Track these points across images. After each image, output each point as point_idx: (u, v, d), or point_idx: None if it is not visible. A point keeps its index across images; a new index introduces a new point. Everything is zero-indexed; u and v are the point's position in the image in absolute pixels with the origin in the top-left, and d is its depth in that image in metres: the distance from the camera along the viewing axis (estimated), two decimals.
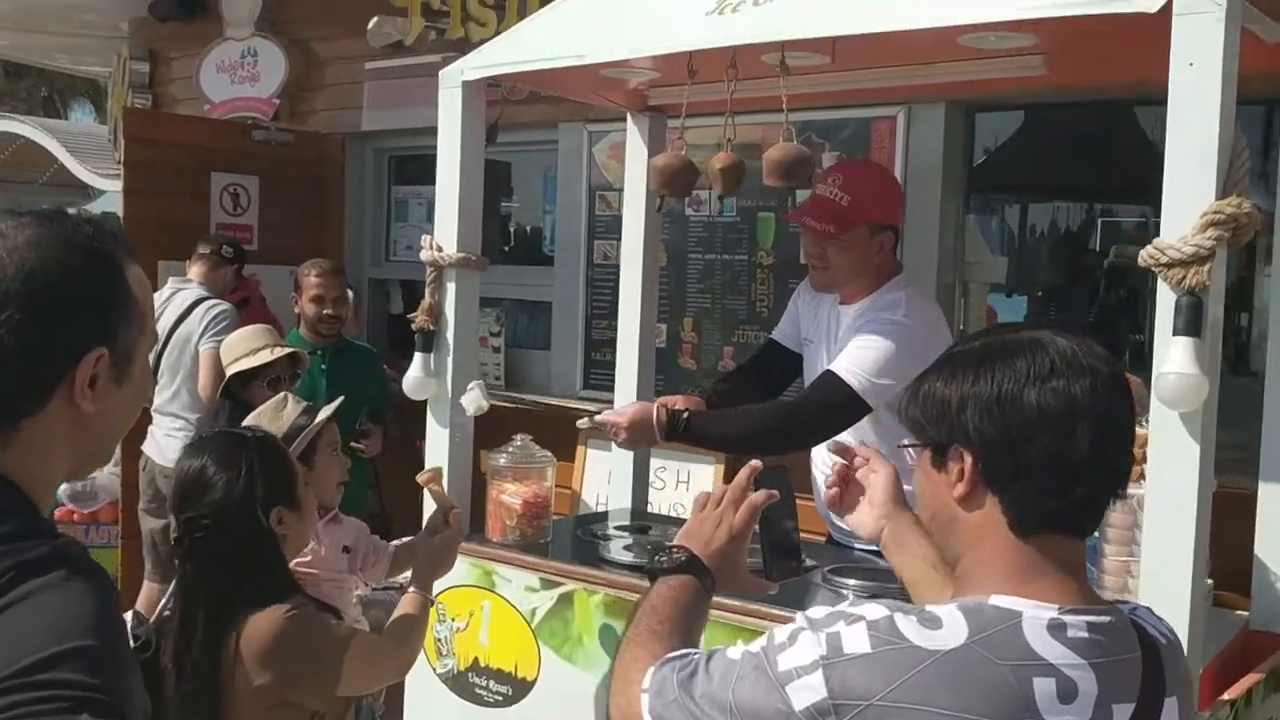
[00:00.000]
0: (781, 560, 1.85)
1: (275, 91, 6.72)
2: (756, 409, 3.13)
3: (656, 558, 1.77)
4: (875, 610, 1.41)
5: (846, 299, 3.21)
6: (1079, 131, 4.97)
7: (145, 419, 5.23)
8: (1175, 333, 2.12)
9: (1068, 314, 5.62)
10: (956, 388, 1.46)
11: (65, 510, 6.07)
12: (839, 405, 2.98)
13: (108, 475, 5.89)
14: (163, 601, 2.46)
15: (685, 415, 3.04)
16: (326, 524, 2.95)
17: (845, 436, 3.19)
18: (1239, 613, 2.88)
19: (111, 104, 8.40)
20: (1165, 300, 2.16)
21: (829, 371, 3.01)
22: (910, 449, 1.57)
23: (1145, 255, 2.16)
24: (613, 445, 3.92)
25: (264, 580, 2.37)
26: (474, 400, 3.19)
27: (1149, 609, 1.53)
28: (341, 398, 3.19)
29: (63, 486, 5.72)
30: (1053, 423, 1.40)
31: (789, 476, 1.86)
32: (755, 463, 1.83)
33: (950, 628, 1.37)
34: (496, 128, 3.35)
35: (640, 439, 3.11)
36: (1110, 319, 5.54)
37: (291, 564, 2.62)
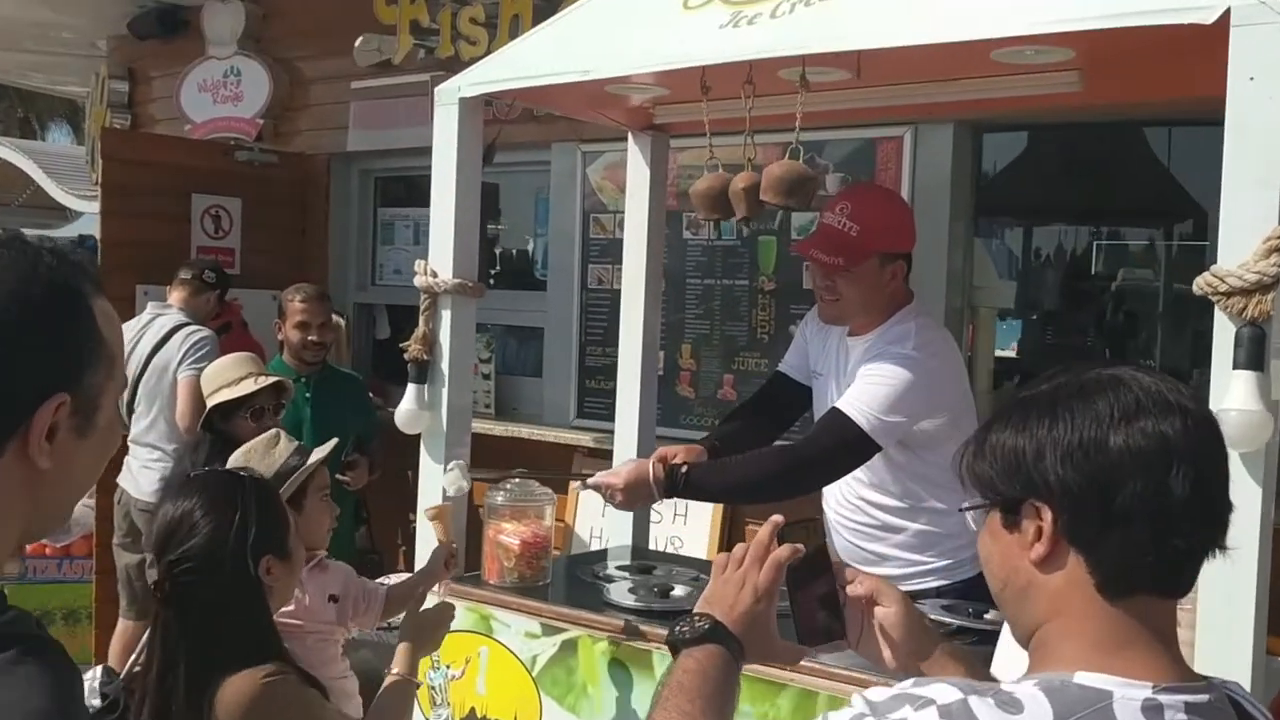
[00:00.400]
0: (815, 622, 1.66)
1: (259, 111, 6.55)
2: (759, 454, 2.97)
3: (678, 628, 1.59)
4: (946, 692, 1.24)
5: (856, 330, 3.06)
6: (1087, 152, 4.85)
7: (122, 450, 5.04)
8: (1236, 366, 1.97)
9: (1074, 338, 5.48)
10: (1030, 435, 1.29)
11: (38, 544, 5.86)
12: (847, 445, 2.83)
13: (82, 508, 5.68)
14: (134, 655, 2.27)
15: (684, 469, 2.89)
16: (311, 570, 2.77)
17: (859, 474, 3.05)
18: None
19: (89, 124, 8.24)
20: (1224, 332, 2.01)
21: (835, 409, 2.86)
22: (974, 511, 1.40)
23: (1202, 283, 2.01)
24: None
25: (247, 636, 2.20)
26: (454, 480, 3.04)
27: (1238, 684, 1.37)
28: (336, 440, 3.04)
29: None
30: (1145, 465, 1.24)
31: (820, 530, 1.71)
32: (778, 517, 1.68)
33: (1032, 711, 1.21)
34: (494, 148, 3.19)
35: (638, 499, 2.96)
36: (1118, 343, 5.41)
37: (274, 616, 2.45)
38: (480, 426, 5.34)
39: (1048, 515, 1.28)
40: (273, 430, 2.93)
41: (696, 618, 1.58)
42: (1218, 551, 1.30)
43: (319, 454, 2.85)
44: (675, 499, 3.01)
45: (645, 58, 2.77)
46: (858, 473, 3.05)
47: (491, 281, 6.40)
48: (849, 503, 3.07)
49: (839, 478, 2.99)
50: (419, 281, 3.07)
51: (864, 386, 2.84)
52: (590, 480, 3.00)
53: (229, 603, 2.19)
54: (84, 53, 7.92)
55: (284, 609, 2.57)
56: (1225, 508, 1.30)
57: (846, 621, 1.66)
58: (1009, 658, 2.32)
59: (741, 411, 3.38)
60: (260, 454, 2.81)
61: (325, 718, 2.28)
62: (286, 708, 2.19)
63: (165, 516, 2.26)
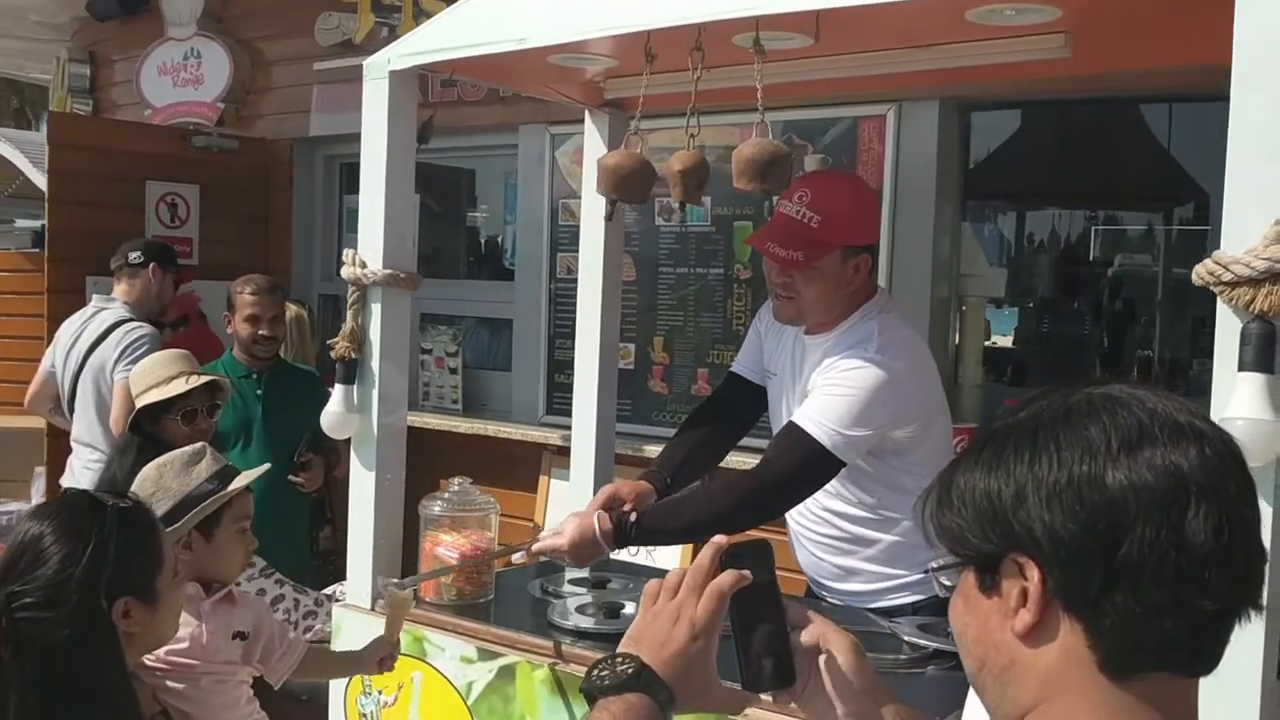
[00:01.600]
0: (763, 662, 1.38)
1: (219, 95, 6.31)
2: (714, 487, 2.72)
3: (595, 672, 1.31)
4: None
5: (814, 329, 2.78)
6: (1082, 132, 4.58)
7: (64, 449, 4.81)
8: (1242, 368, 1.70)
9: (1070, 327, 5.22)
10: (1006, 474, 1.04)
11: None
12: (809, 465, 2.57)
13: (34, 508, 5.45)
14: None
15: (632, 518, 2.60)
16: (216, 604, 2.50)
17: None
18: None
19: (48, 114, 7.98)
20: (1227, 327, 1.74)
21: (793, 425, 2.59)
22: (942, 573, 1.12)
23: (1203, 272, 1.74)
24: (571, 475, 3.53)
25: (90, 690, 1.90)
26: (393, 603, 2.72)
27: None
28: (267, 465, 2.76)
29: None
30: (1155, 505, 0.97)
31: (771, 552, 1.40)
32: (720, 538, 1.38)
33: None
34: (430, 127, 2.92)
35: (587, 556, 2.64)
36: (1116, 333, 5.15)
37: (161, 651, 2.19)
38: (446, 423, 5.13)
39: (1034, 573, 1.01)
40: (199, 445, 2.66)
41: (619, 659, 1.31)
42: (1251, 613, 1.02)
43: (239, 482, 2.57)
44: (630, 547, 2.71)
45: (585, 23, 2.50)
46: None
47: (469, 271, 6.19)
48: (814, 515, 2.80)
49: (804, 499, 2.72)
50: (346, 273, 2.81)
51: (823, 400, 2.57)
52: (535, 547, 2.69)
53: (72, 649, 1.89)
54: (46, 37, 7.66)
55: (176, 646, 2.32)
56: (1258, 556, 1.02)
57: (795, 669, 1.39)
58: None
59: (695, 422, 3.05)
60: (176, 471, 2.54)
61: None
62: None
63: (14, 542, 1.96)
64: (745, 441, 3.05)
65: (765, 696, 1.40)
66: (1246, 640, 1.75)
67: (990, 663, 1.07)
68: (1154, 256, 5.22)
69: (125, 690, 1.97)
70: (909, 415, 2.63)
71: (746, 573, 1.35)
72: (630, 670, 1.28)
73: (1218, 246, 1.78)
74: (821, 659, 1.38)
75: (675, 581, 1.36)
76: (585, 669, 2.36)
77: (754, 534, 1.59)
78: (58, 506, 2.03)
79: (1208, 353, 4.61)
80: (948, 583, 1.12)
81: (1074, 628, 1.00)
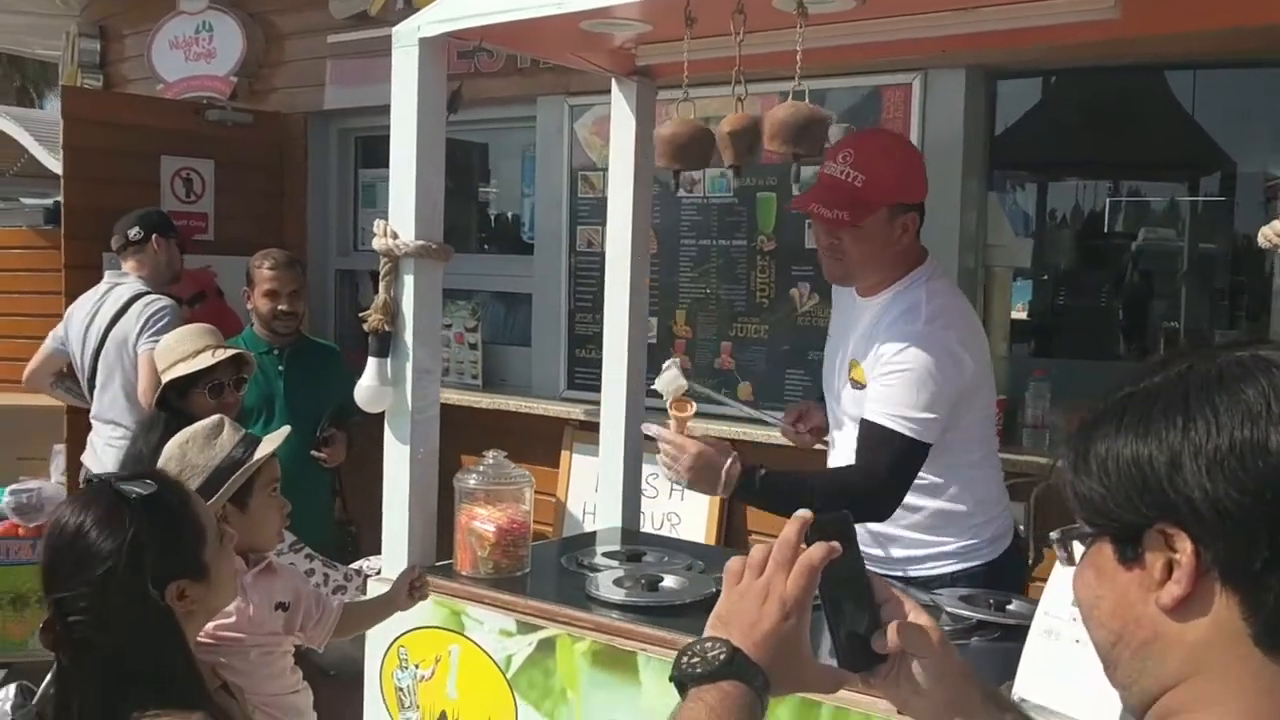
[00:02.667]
0: (853, 640, 1.30)
1: (232, 69, 6.24)
2: (833, 471, 2.72)
3: (686, 659, 1.23)
4: None
5: (866, 291, 2.78)
6: (1108, 100, 4.53)
7: (85, 426, 4.78)
8: None
9: (1093, 299, 5.19)
10: (1158, 441, 0.98)
11: (9, 524, 5.60)
12: (901, 459, 2.59)
13: (54, 486, 5.45)
14: (49, 677, 1.96)
15: (761, 472, 2.60)
16: (257, 576, 2.48)
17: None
18: None
19: (61, 90, 7.94)
20: None
21: (872, 425, 2.59)
22: (1070, 543, 1.08)
23: (1269, 234, 1.71)
24: (601, 449, 3.50)
25: (155, 679, 1.84)
26: (671, 381, 2.75)
27: None
28: (288, 428, 2.73)
29: (7, 499, 5.28)
30: None
31: (853, 525, 1.33)
32: (805, 512, 1.30)
33: None
34: (459, 96, 2.88)
35: (702, 482, 2.62)
36: (1141, 305, 5.12)
37: (210, 626, 2.16)
38: (467, 399, 5.10)
39: (1185, 545, 0.96)
40: (216, 417, 2.63)
41: (709, 644, 1.23)
42: None
43: (267, 446, 2.54)
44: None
45: None
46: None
47: (486, 246, 6.15)
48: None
49: (906, 492, 2.68)
50: (378, 244, 2.78)
51: (886, 389, 2.58)
52: (664, 438, 2.67)
53: (134, 643, 1.84)
54: (55, 12, 7.59)
55: (223, 620, 2.29)
56: None
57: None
58: (1036, 666, 2.06)
59: None
60: (199, 445, 2.51)
61: None
62: None
63: (49, 545, 1.90)
64: None
65: (861, 679, 1.33)
66: None
67: (1129, 636, 1.03)
68: (1179, 229, 5.18)
69: (192, 671, 1.93)
70: (964, 384, 2.62)
71: (835, 545, 1.29)
72: (723, 655, 1.21)
73: (1243, 217, 1.74)
74: (897, 635, 1.30)
75: (760, 558, 1.29)
76: (625, 643, 2.37)
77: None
78: (87, 502, 1.96)
79: (1227, 325, 4.57)
80: (1070, 552, 1.08)
81: (1229, 601, 0.96)
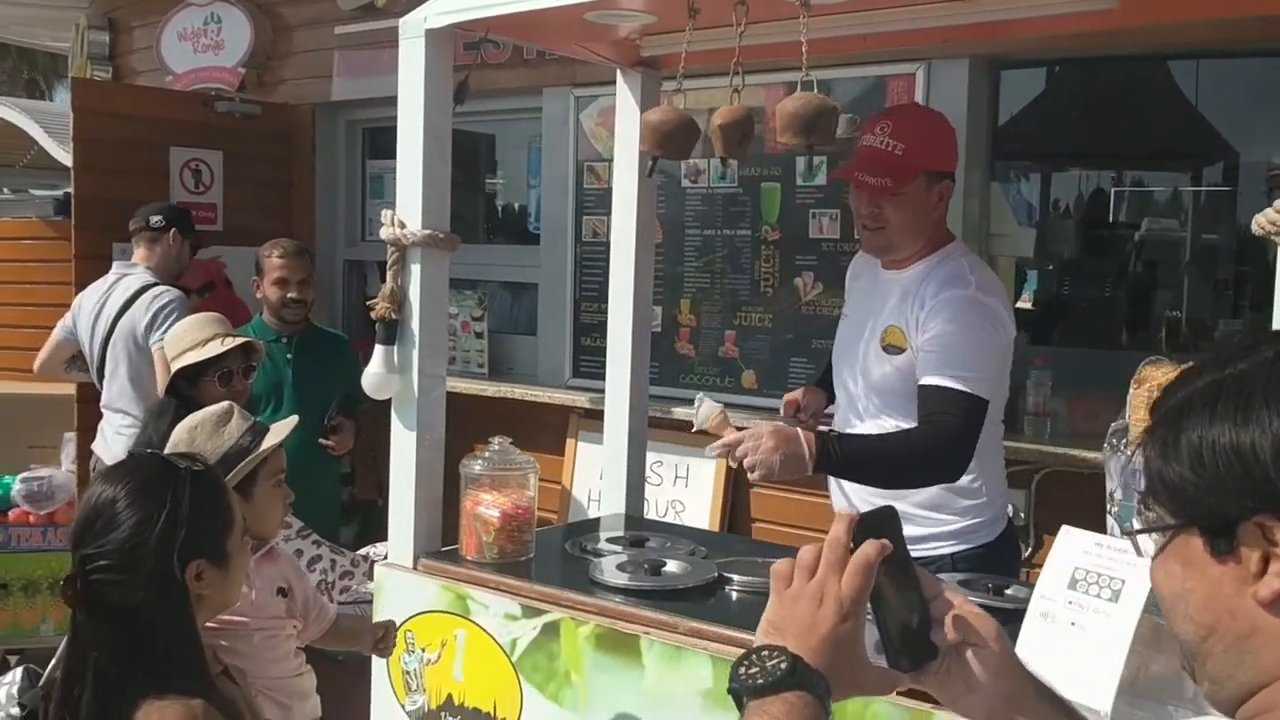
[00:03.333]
0: (905, 638, 1.26)
1: (240, 60, 6.27)
2: (903, 434, 2.71)
3: (743, 670, 1.18)
4: None
5: (898, 263, 2.87)
6: (1110, 91, 4.55)
7: (95, 415, 4.83)
8: None
9: (1094, 288, 5.21)
10: (1261, 428, 0.94)
11: (20, 511, 5.66)
12: (969, 417, 2.64)
13: (65, 474, 5.50)
14: (54, 660, 2.00)
15: (836, 440, 2.63)
16: (260, 561, 2.52)
17: (882, 424, 2.82)
18: None
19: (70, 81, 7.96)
20: None
21: (932, 387, 2.64)
22: (1148, 534, 1.06)
23: (1262, 221, 1.74)
24: (605, 437, 3.52)
25: (165, 653, 1.89)
26: (709, 410, 2.75)
27: None
28: (295, 418, 2.77)
29: (18, 486, 5.33)
30: None
31: (899, 520, 1.29)
32: (851, 511, 1.28)
33: None
34: (466, 86, 2.93)
35: (792, 470, 2.58)
36: (1143, 295, 5.13)
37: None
38: (473, 387, 5.14)
39: None
40: (226, 404, 2.67)
41: (766, 653, 1.18)
42: None
43: (274, 436, 2.58)
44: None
45: None
46: (880, 423, 2.83)
47: (492, 237, 6.18)
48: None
49: (975, 447, 2.72)
50: (385, 234, 2.81)
51: (943, 351, 2.65)
52: (739, 450, 2.60)
53: (147, 611, 1.89)
54: (67, 4, 7.62)
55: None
56: None
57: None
58: (1031, 648, 2.09)
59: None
60: (208, 432, 2.55)
61: None
62: None
63: (87, 504, 1.96)
64: None
65: (914, 680, 1.29)
66: None
67: (1223, 630, 0.99)
68: (1181, 218, 5.20)
69: (197, 652, 1.98)
70: (1005, 353, 2.76)
71: (887, 542, 1.24)
72: (784, 665, 1.16)
73: (1245, 207, 1.76)
74: (953, 627, 1.26)
75: (811, 559, 1.23)
76: (628, 626, 2.40)
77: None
78: (130, 469, 2.03)
79: (1235, 315, 4.57)
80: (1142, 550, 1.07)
81: None
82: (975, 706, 1.27)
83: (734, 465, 2.64)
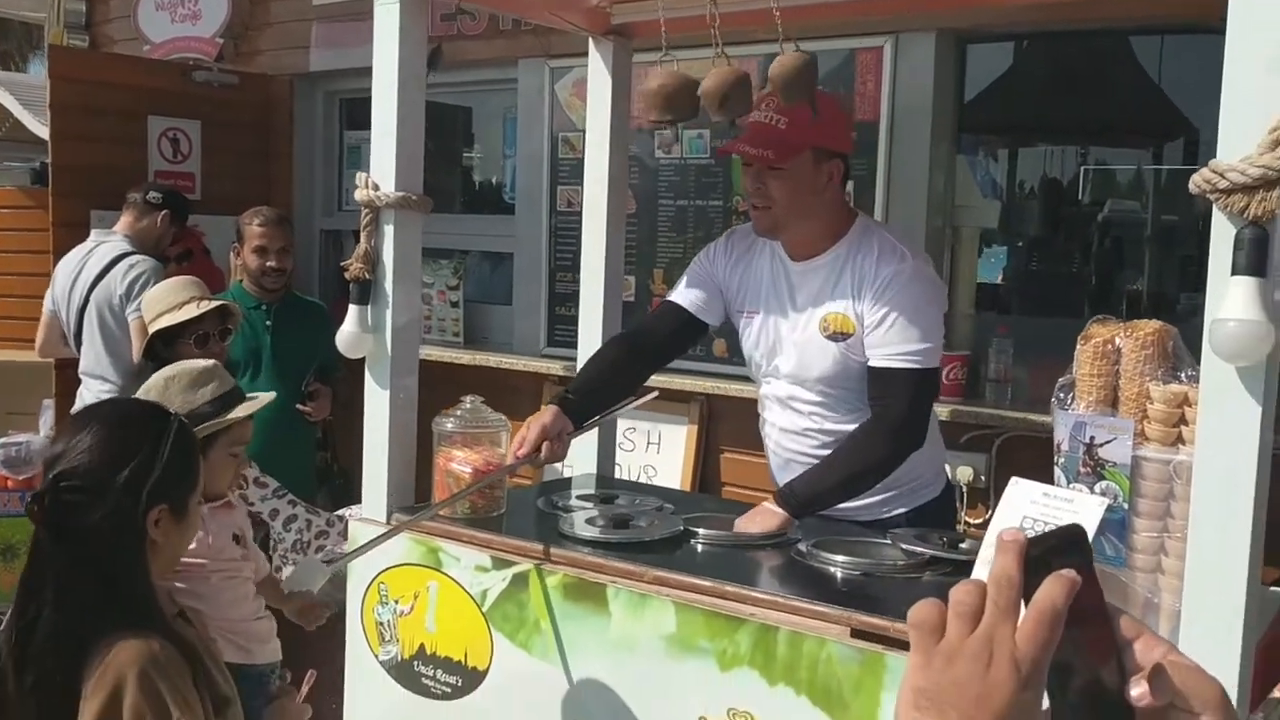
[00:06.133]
0: (1098, 693, 0.89)
1: (218, 30, 6.30)
2: (848, 447, 2.76)
3: None
4: None
5: (801, 253, 2.87)
6: (1076, 66, 4.62)
7: (74, 381, 4.87)
8: (1235, 271, 1.78)
9: (1057, 262, 5.30)
10: None
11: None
12: (920, 393, 2.75)
13: (43, 439, 5.53)
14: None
15: (790, 492, 2.72)
16: (215, 510, 2.62)
17: (825, 406, 2.89)
18: (1274, 589, 2.57)
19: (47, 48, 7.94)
20: (1222, 233, 1.81)
21: (887, 370, 2.72)
22: None
23: (1199, 180, 1.81)
24: None
25: (122, 586, 1.99)
26: (309, 578, 2.82)
27: None
28: (272, 394, 2.87)
29: None
30: None
31: (1088, 543, 0.92)
32: (1015, 534, 0.88)
33: None
34: (439, 53, 2.99)
35: (765, 527, 2.71)
36: (1105, 269, 5.22)
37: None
38: (448, 356, 5.20)
39: None
40: (211, 364, 2.75)
41: None
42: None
43: (245, 409, 2.67)
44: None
45: None
46: (825, 403, 2.89)
47: (469, 208, 6.22)
48: (816, 437, 2.91)
49: (929, 416, 2.85)
50: (359, 195, 2.87)
51: (897, 329, 2.71)
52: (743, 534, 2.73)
53: (105, 539, 1.98)
54: None
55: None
56: None
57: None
58: None
59: (621, 349, 3.12)
60: (182, 387, 2.62)
61: (192, 708, 1.98)
62: (169, 691, 1.94)
63: (74, 426, 2.06)
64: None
65: None
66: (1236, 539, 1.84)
67: None
68: (1143, 197, 5.28)
69: (149, 589, 2.06)
70: (944, 311, 2.86)
71: (1075, 575, 0.87)
72: None
73: None
74: (1153, 687, 0.88)
75: (972, 603, 0.88)
76: (595, 576, 2.48)
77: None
78: (123, 406, 2.13)
79: (1191, 288, 4.67)
80: None
81: None
82: None
83: None
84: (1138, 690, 0.87)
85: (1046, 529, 1.04)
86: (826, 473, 2.75)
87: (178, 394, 2.60)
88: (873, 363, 2.75)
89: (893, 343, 2.71)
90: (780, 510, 2.69)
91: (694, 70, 2.68)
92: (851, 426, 2.83)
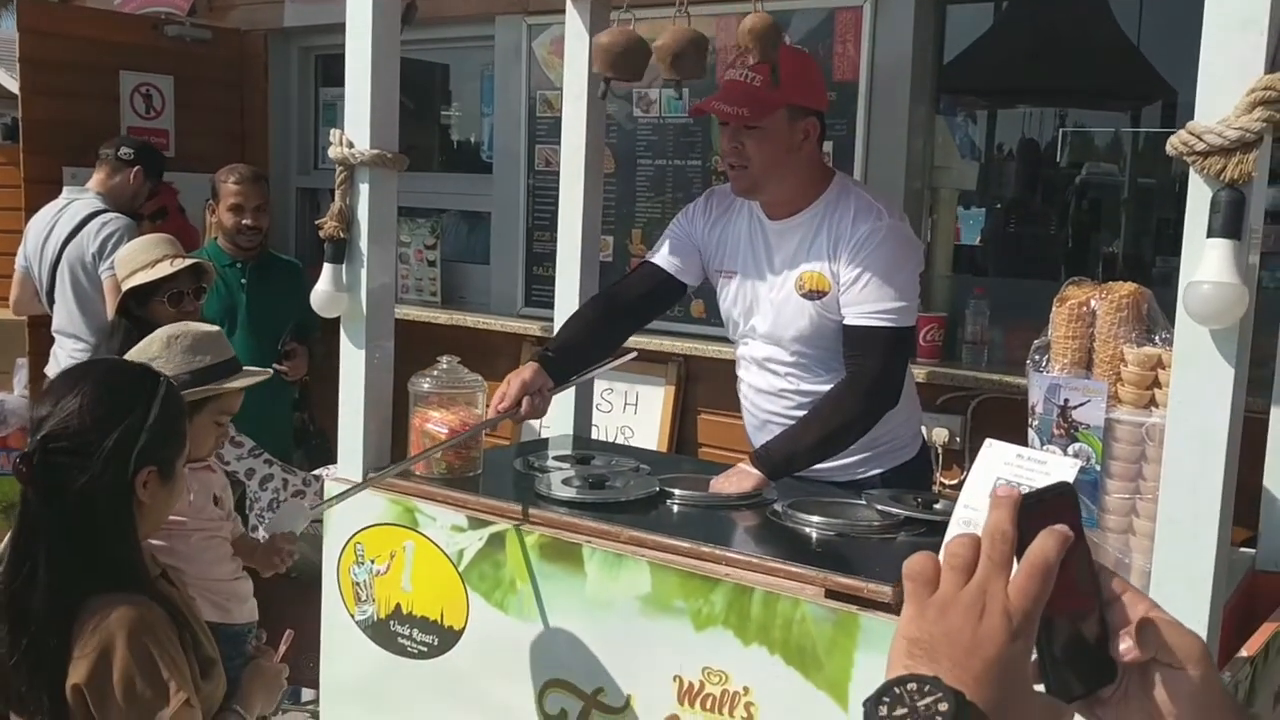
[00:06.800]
0: (1073, 656, 0.94)
1: None
2: (822, 409, 2.76)
3: (883, 709, 0.84)
4: None
5: (778, 212, 2.87)
6: (1053, 26, 4.61)
7: (48, 340, 4.84)
8: (1211, 234, 1.77)
9: (1035, 225, 5.31)
10: None
11: None
12: (894, 351, 2.74)
13: (18, 399, 5.50)
14: (3, 542, 2.07)
15: (767, 453, 2.72)
16: (195, 471, 2.62)
17: (803, 367, 2.90)
18: (1243, 550, 2.60)
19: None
20: (1199, 196, 1.81)
21: (863, 328, 2.72)
22: None
23: (1176, 143, 1.81)
24: None
25: (111, 547, 1.99)
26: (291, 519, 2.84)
27: None
28: (269, 371, 2.88)
29: None
30: None
31: (1077, 501, 0.96)
32: (1010, 490, 0.93)
33: None
34: (414, 8, 2.94)
35: (745, 487, 2.70)
36: (1082, 231, 5.25)
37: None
38: (425, 315, 5.18)
39: None
40: (216, 331, 2.76)
41: (915, 687, 0.84)
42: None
43: (236, 382, 2.69)
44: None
45: None
46: (801, 364, 2.89)
47: (446, 166, 6.19)
48: (793, 398, 2.92)
49: (905, 374, 2.85)
50: (334, 153, 2.83)
51: (872, 287, 2.71)
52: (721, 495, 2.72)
53: (92, 502, 1.97)
54: None
55: None
56: None
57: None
58: None
59: (600, 309, 3.11)
60: (182, 348, 2.65)
61: (179, 666, 2.01)
62: (159, 652, 1.96)
63: (62, 385, 2.05)
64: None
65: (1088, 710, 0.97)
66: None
67: None
68: (1120, 160, 5.30)
69: (137, 550, 2.06)
70: (920, 269, 2.84)
71: (1068, 530, 0.91)
72: (944, 708, 0.83)
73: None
74: (1158, 671, 0.94)
75: (966, 555, 0.91)
76: (571, 536, 2.49)
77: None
78: (115, 365, 2.13)
79: (1167, 251, 4.69)
80: None
81: None
82: None
83: None
84: (1125, 644, 0.92)
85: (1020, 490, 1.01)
86: (803, 432, 2.75)
87: (179, 353, 2.60)
88: (848, 321, 2.75)
89: (868, 301, 2.71)
90: (756, 471, 2.69)
91: (657, 30, 2.67)
92: (827, 388, 2.83)
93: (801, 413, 2.86)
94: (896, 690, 0.84)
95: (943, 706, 0.83)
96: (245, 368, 2.80)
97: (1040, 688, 0.93)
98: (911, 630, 0.91)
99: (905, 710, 0.83)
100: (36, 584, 1.94)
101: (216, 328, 2.84)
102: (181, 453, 2.16)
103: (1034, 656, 0.91)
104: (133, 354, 2.64)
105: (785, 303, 2.86)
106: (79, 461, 1.96)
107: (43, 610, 1.93)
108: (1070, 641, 0.93)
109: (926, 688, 0.84)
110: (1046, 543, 0.89)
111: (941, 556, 0.93)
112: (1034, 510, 0.91)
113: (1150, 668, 0.94)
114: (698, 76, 2.69)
